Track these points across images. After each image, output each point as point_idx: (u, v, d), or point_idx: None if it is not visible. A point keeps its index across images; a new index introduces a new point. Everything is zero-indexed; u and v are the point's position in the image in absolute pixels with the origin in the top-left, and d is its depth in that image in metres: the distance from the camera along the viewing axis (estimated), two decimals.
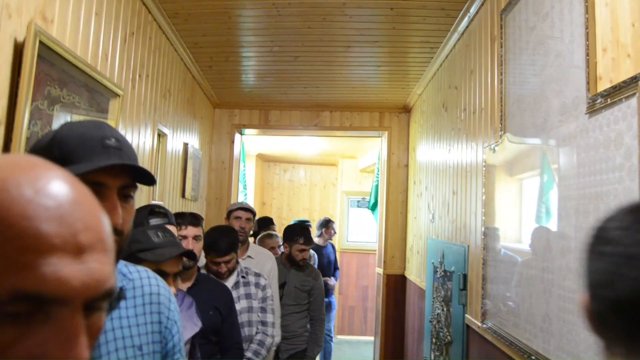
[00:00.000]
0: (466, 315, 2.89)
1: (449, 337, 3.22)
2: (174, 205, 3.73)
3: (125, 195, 0.98)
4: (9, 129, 1.67)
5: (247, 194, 6.26)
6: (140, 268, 1.22)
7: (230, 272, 2.73)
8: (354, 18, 3.18)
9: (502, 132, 2.42)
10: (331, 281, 6.02)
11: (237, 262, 2.84)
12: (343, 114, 5.37)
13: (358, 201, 8.55)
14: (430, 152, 4.23)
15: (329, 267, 6.12)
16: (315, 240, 5.94)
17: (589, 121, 1.65)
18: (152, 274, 1.24)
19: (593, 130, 1.62)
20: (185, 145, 4.01)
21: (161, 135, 3.36)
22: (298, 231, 3.69)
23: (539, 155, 2.05)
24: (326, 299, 5.72)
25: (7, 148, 1.67)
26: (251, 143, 7.45)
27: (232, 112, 5.34)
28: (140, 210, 1.94)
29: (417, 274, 4.51)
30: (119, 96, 2.46)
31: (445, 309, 3.35)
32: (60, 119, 1.99)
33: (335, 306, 6.41)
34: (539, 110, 2.03)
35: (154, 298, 1.20)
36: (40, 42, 1.74)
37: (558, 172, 1.85)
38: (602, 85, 1.58)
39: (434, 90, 4.09)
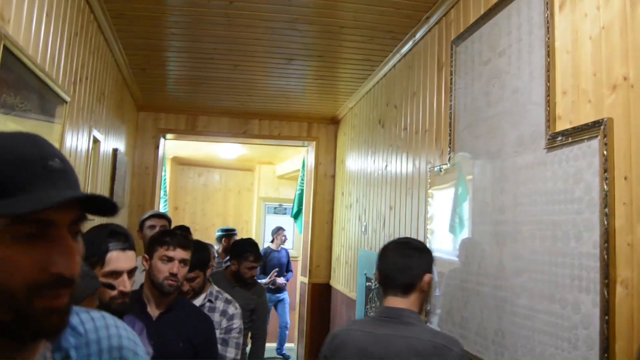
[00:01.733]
0: None
1: None
2: None
3: (75, 232, 0.77)
4: None
5: (167, 200, 6.05)
6: (96, 314, 0.94)
7: (195, 292, 2.52)
8: (303, 33, 3.21)
9: (451, 154, 2.57)
10: (280, 280, 6.56)
11: (209, 282, 2.63)
12: (272, 123, 5.38)
13: (275, 207, 8.56)
14: (363, 166, 4.36)
15: (280, 268, 6.78)
16: (270, 245, 6.97)
17: (547, 155, 1.82)
18: (110, 320, 0.96)
19: (552, 164, 1.79)
20: (115, 151, 3.81)
21: (95, 142, 3.17)
22: (248, 247, 3.51)
23: (488, 180, 2.22)
24: (280, 295, 6.74)
25: None
26: (167, 146, 7.19)
27: (158, 115, 5.15)
28: (98, 230, 1.70)
29: (345, 284, 4.62)
30: (66, 102, 2.30)
31: None
32: (10, 128, 1.83)
33: (288, 300, 6.98)
34: (493, 139, 2.20)
35: (115, 354, 0.91)
36: (4, 47, 1.60)
37: (514, 199, 2.01)
38: (562, 125, 1.76)
39: (369, 106, 4.23)
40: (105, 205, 0.77)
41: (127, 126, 4.51)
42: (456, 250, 2.49)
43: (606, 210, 1.51)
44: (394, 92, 3.61)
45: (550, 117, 1.81)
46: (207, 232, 8.53)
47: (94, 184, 3.22)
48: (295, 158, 7.44)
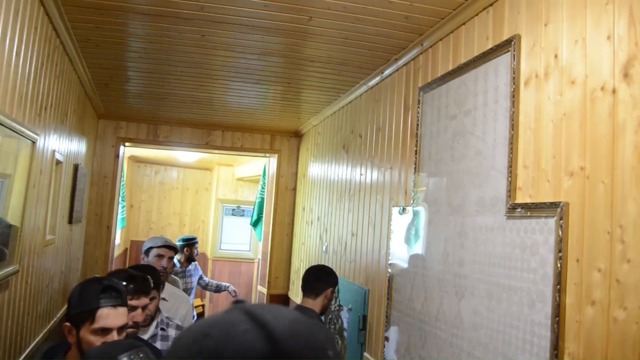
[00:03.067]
0: (365, 353, 3.14)
1: None
2: (62, 234, 3.47)
3: None
4: None
5: (125, 206, 5.95)
6: None
7: (152, 319, 2.42)
8: (275, 64, 3.24)
9: (414, 197, 2.67)
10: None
11: (159, 311, 2.56)
12: (235, 135, 5.38)
13: (233, 209, 8.54)
14: (325, 186, 4.42)
15: None
16: None
17: (507, 222, 1.93)
18: None
19: (510, 231, 1.91)
20: (76, 166, 3.73)
21: (57, 164, 3.11)
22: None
23: (450, 232, 2.33)
24: None
25: None
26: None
27: (119, 124, 5.05)
28: (90, 285, 1.70)
29: None
30: (34, 142, 2.26)
31: (339, 341, 3.58)
32: None
33: None
34: (456, 194, 2.30)
35: None
36: None
37: (473, 256, 2.12)
38: (522, 197, 1.87)
39: (333, 129, 4.29)
40: None
41: (88, 137, 4.41)
42: (412, 285, 2.61)
43: (558, 287, 1.64)
44: (359, 121, 3.69)
45: (512, 187, 1.92)
46: (164, 232, 8.44)
47: (55, 205, 3.16)
48: (256, 162, 7.44)
